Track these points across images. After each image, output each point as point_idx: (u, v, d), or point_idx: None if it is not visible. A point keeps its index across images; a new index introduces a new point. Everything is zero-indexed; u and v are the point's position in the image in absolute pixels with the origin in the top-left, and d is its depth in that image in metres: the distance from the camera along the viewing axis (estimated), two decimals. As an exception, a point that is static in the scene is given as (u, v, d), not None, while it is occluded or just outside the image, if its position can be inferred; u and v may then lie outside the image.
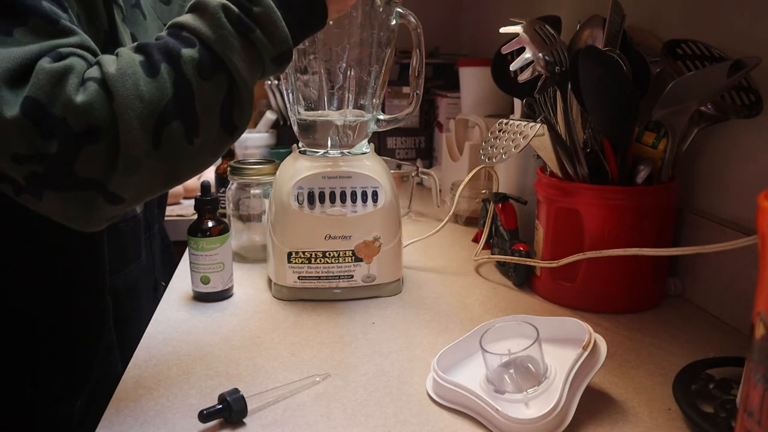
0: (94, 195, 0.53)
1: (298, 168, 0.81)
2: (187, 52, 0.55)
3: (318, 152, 0.84)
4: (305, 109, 0.85)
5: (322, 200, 0.80)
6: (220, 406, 0.56)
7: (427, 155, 1.65)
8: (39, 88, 0.50)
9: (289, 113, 0.87)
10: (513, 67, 0.76)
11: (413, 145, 1.64)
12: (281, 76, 0.85)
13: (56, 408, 0.73)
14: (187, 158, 0.56)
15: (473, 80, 1.32)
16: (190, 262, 0.82)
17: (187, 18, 0.57)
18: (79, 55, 0.54)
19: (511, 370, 0.58)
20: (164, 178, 0.56)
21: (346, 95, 0.83)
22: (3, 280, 0.70)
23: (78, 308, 0.74)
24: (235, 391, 0.57)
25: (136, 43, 0.57)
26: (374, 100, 0.85)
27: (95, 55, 0.56)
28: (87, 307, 0.75)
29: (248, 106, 0.59)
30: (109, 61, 0.53)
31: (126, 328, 0.81)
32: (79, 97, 0.51)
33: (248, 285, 0.89)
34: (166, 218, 1.42)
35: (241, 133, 0.60)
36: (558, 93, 0.79)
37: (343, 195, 0.81)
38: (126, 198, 0.55)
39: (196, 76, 0.54)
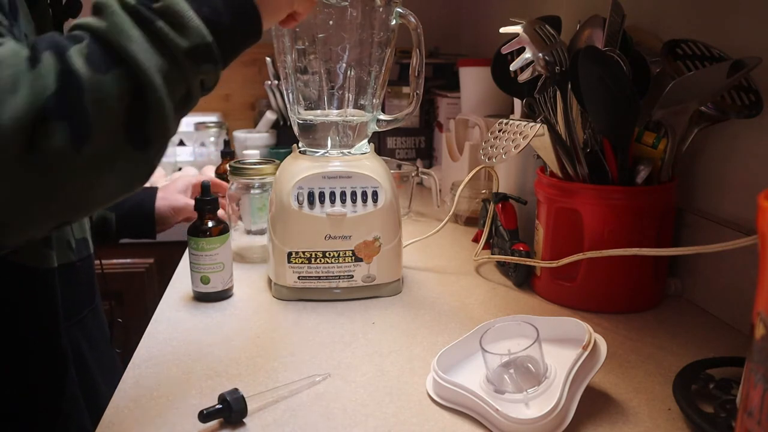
0: None
1: (298, 168, 0.81)
2: (76, 46, 0.47)
3: (318, 152, 0.84)
4: (305, 109, 0.85)
5: (322, 200, 0.80)
6: (220, 406, 0.56)
7: (427, 155, 1.65)
8: None
9: (289, 113, 0.87)
10: (513, 67, 0.76)
11: (413, 145, 1.64)
12: (281, 76, 0.85)
13: None
14: (71, 172, 0.45)
15: (473, 80, 1.32)
16: (190, 262, 0.82)
17: (79, 19, 0.49)
18: None
19: (511, 370, 0.58)
20: (36, 194, 0.45)
21: (346, 95, 0.83)
22: None
23: (34, 359, 0.67)
24: (235, 391, 0.57)
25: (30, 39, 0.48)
26: (374, 100, 0.85)
27: None
28: (44, 357, 0.68)
29: (168, 118, 0.49)
30: None
31: (90, 383, 0.74)
32: None
33: (248, 285, 0.89)
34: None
35: (160, 154, 0.50)
36: (558, 93, 0.79)
37: (343, 195, 0.81)
38: None
39: (86, 67, 0.45)
